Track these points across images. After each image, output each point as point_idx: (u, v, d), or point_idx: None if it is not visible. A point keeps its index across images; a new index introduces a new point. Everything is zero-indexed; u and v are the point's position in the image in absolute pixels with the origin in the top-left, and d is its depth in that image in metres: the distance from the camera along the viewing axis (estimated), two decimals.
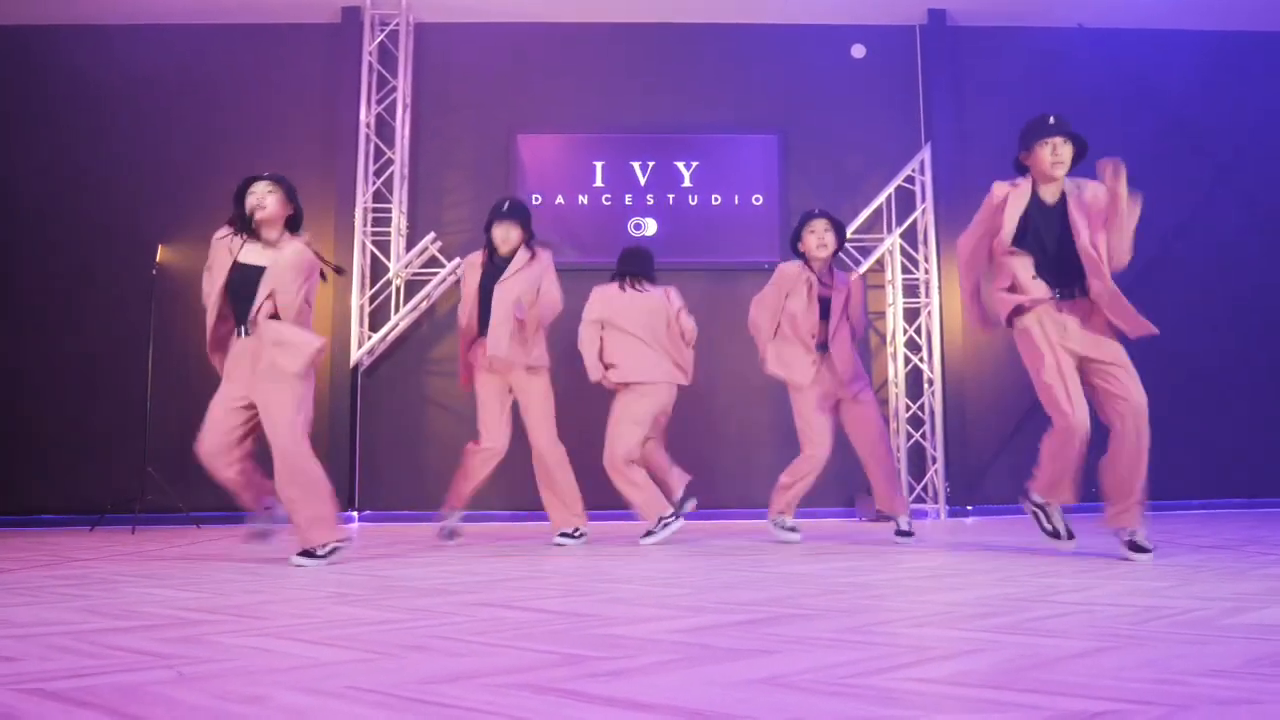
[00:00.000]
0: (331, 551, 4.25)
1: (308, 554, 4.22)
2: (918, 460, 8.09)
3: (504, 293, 5.37)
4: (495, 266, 5.54)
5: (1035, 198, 4.36)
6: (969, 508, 7.86)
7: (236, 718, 1.46)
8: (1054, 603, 2.69)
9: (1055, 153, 4.29)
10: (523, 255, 5.52)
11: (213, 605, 2.80)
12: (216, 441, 4.38)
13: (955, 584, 3.23)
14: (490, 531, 6.55)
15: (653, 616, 2.50)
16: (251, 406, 4.38)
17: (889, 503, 5.47)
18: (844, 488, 7.86)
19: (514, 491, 7.57)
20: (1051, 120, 4.32)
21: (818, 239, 5.44)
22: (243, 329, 4.44)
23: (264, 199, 4.42)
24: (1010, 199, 4.37)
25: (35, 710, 1.52)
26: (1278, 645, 2.00)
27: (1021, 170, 4.46)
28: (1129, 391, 4.11)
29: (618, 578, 3.54)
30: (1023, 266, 4.34)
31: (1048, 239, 4.31)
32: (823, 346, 5.42)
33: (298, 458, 4.23)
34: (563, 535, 5.44)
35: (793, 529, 5.46)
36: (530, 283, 5.49)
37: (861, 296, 5.64)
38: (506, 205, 5.60)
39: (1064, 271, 4.29)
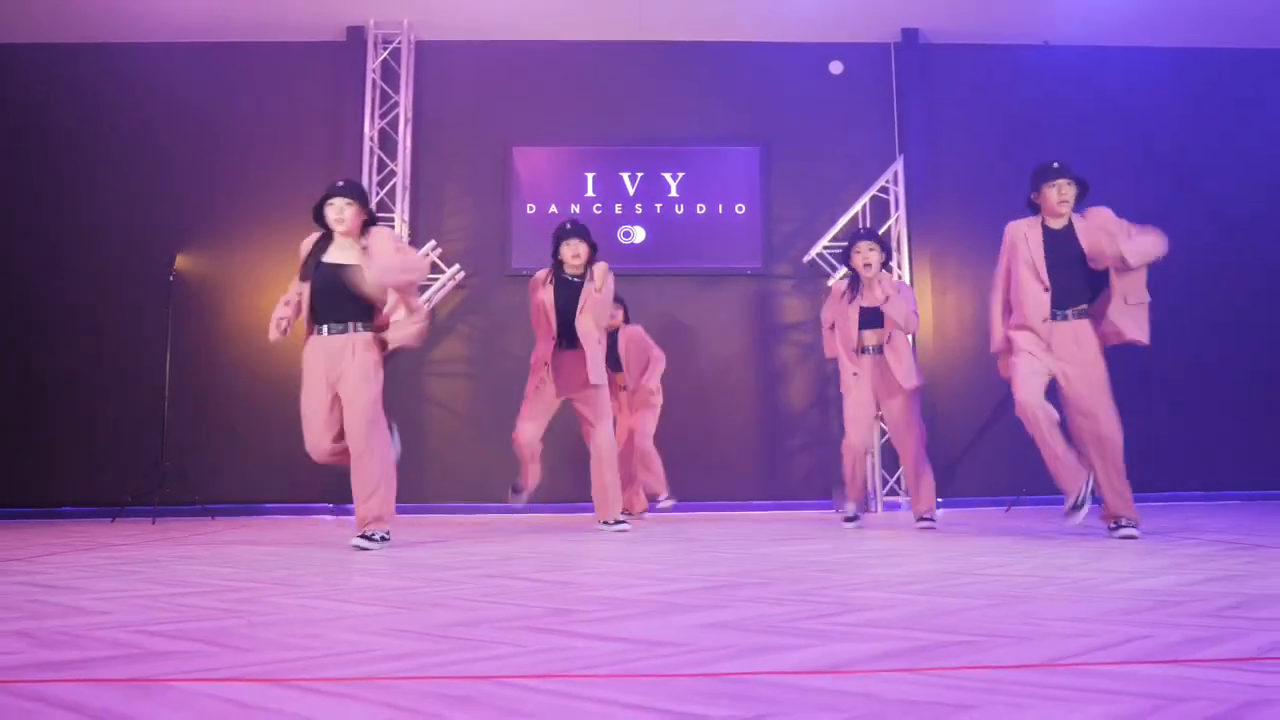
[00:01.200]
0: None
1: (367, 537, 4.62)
2: (892, 455, 8.54)
3: (588, 326, 5.99)
4: (565, 282, 6.13)
5: (1045, 228, 5.03)
6: (939, 500, 8.31)
7: (306, 649, 1.92)
8: (974, 575, 3.16)
9: (1061, 193, 5.02)
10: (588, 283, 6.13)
11: (254, 577, 3.25)
12: (322, 441, 4.72)
13: (898, 561, 3.70)
14: (489, 524, 6.98)
15: (632, 584, 2.97)
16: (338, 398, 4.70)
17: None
18: (822, 481, 8.31)
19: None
20: (1056, 165, 5.06)
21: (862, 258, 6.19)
22: (324, 328, 4.75)
23: (343, 211, 4.77)
24: (1026, 233, 5.02)
25: (148, 643, 1.97)
26: (1140, 601, 2.47)
27: (1034, 209, 5.17)
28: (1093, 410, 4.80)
29: (606, 556, 4.00)
30: (1031, 307, 4.93)
31: (1057, 258, 4.94)
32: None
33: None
34: (605, 524, 6.03)
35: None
36: (605, 309, 6.12)
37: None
38: (570, 225, 6.20)
39: (1072, 288, 4.93)
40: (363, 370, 4.65)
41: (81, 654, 1.84)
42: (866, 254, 6.16)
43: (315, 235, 4.94)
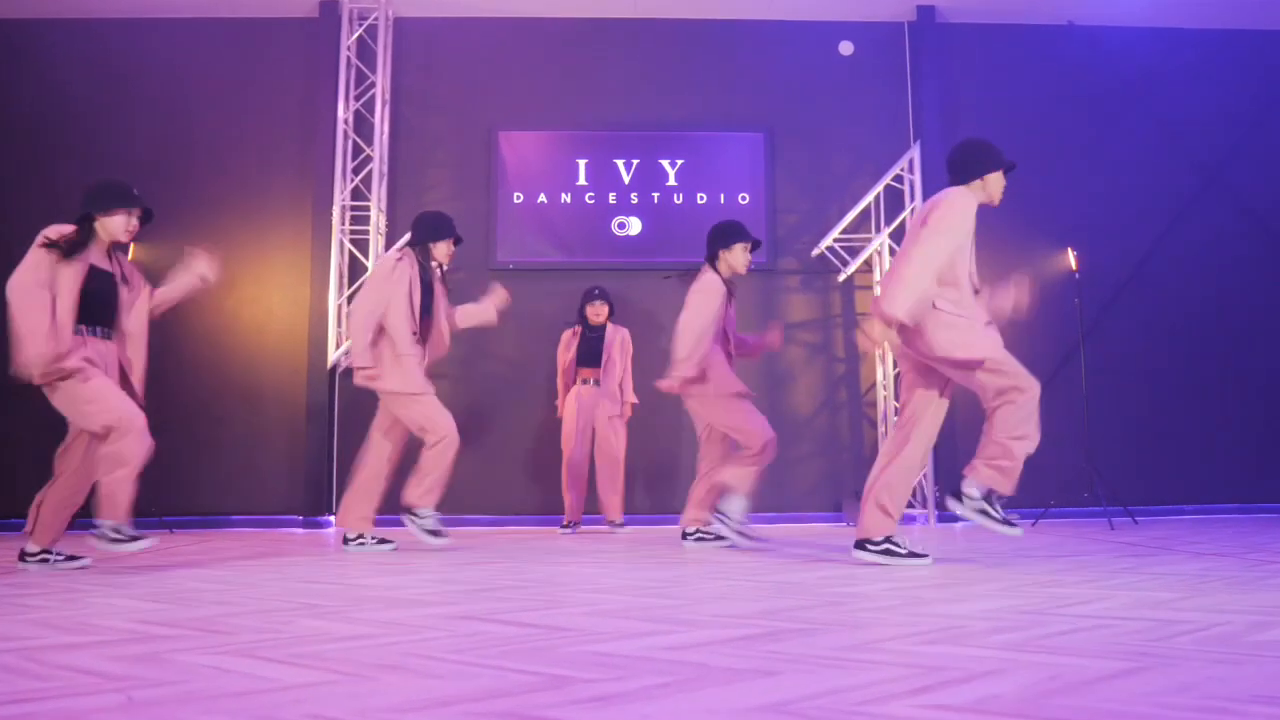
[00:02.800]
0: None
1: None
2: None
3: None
4: (589, 331, 7.22)
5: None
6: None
7: None
8: (1067, 617, 2.54)
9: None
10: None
11: (174, 619, 2.63)
12: None
13: (958, 594, 3.09)
14: (470, 536, 6.39)
15: (642, 631, 2.35)
16: None
17: None
18: (831, 492, 7.79)
19: (496, 496, 7.50)
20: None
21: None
22: None
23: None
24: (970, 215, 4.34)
25: None
26: None
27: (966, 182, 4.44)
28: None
29: (603, 587, 3.38)
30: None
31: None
32: None
33: None
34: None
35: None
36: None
37: None
38: (597, 291, 7.24)
39: None
40: None
41: None
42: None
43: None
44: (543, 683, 1.76)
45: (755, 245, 5.55)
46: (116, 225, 4.40)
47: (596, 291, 7.24)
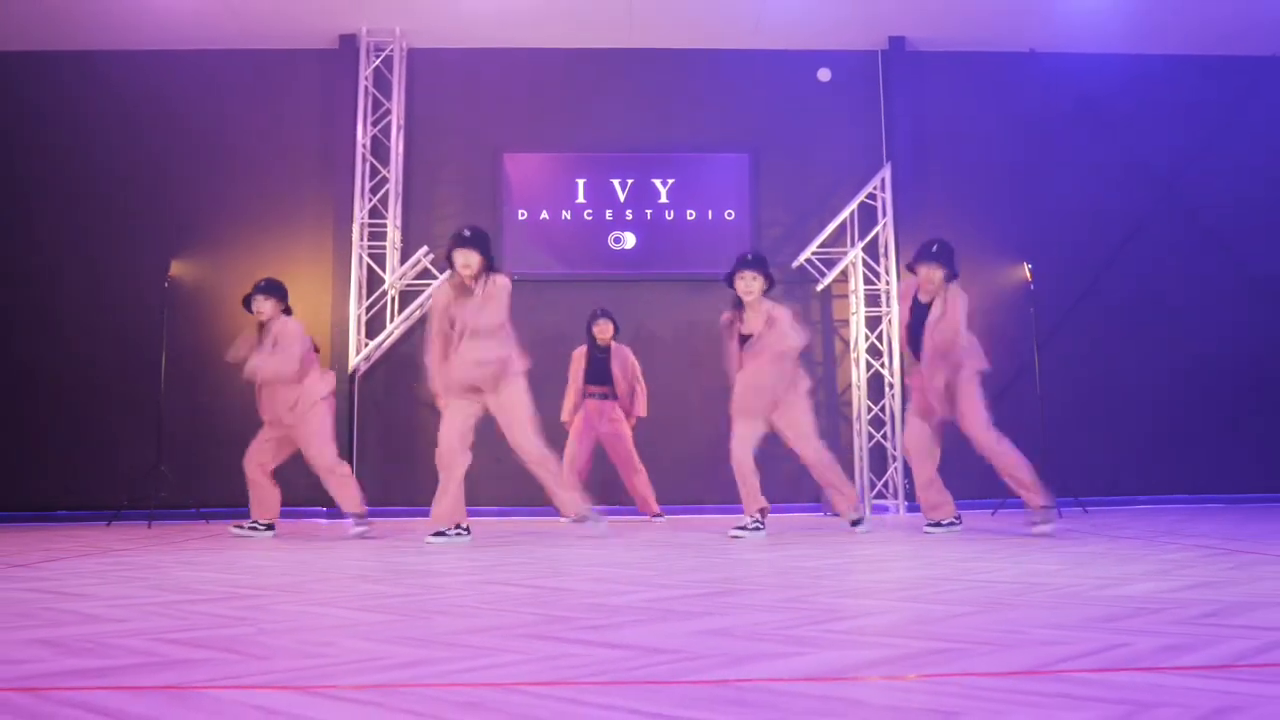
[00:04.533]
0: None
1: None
2: (879, 459, 8.64)
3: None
4: (597, 351, 7.64)
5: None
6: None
7: (318, 655, 2.00)
8: (960, 581, 3.25)
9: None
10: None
11: (257, 584, 3.33)
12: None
13: (885, 567, 3.79)
14: (484, 526, 7.06)
15: (626, 591, 3.05)
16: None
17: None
18: (812, 485, 8.39)
19: (506, 487, 8.12)
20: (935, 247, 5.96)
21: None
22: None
23: (469, 259, 5.54)
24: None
25: (164, 649, 2.05)
26: (1119, 608, 2.56)
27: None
28: None
29: (597, 563, 4.09)
30: None
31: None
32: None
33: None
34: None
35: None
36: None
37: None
38: (601, 311, 7.66)
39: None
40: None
41: (107, 662, 1.92)
42: (749, 281, 6.01)
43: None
44: (550, 620, 2.46)
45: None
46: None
47: (600, 311, 7.67)
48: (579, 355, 7.72)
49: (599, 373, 7.61)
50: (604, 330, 7.64)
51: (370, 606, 2.75)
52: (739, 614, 2.52)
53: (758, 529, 5.85)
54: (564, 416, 7.59)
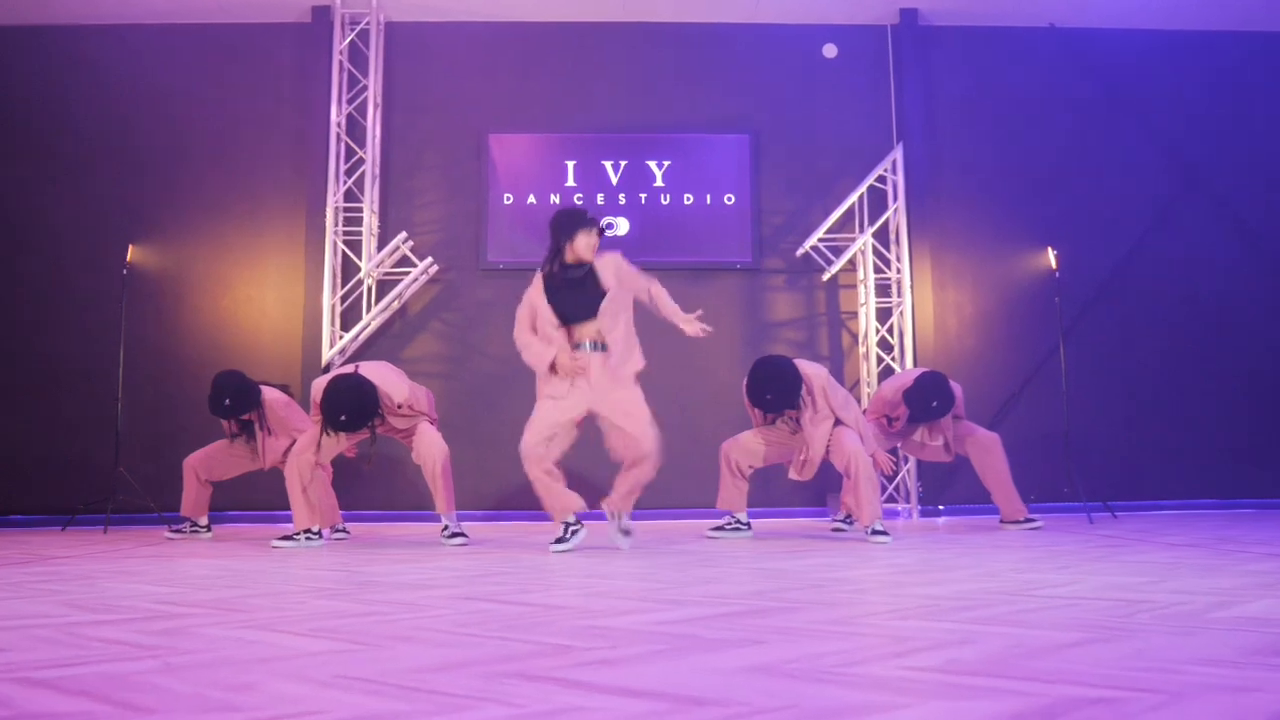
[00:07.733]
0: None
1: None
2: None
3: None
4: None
5: None
6: (940, 507, 7.90)
7: (227, 706, 1.45)
8: (1035, 597, 2.71)
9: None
10: None
11: (191, 599, 2.78)
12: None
13: (934, 578, 3.25)
14: (472, 531, 6.53)
15: (635, 609, 2.51)
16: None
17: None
18: (818, 487, 7.91)
19: (487, 492, 7.61)
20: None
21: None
22: None
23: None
24: None
25: (25, 696, 1.50)
26: (1258, 633, 2.03)
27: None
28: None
29: (596, 574, 3.54)
30: None
31: None
32: None
33: None
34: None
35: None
36: None
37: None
38: None
39: None
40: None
41: None
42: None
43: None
44: (546, 650, 1.91)
45: None
46: None
47: None
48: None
49: None
50: None
51: (319, 630, 2.19)
52: (784, 642, 1.97)
53: (737, 529, 6.03)
54: None
